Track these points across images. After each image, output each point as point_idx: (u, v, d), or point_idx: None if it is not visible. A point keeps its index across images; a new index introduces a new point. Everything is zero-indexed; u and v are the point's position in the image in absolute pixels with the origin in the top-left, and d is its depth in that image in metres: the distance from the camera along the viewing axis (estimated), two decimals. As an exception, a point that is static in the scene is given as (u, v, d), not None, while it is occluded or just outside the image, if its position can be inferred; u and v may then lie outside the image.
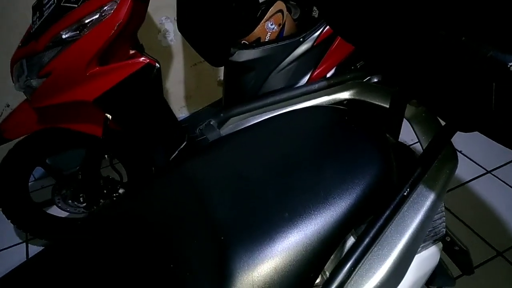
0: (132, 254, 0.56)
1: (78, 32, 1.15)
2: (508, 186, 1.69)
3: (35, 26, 1.18)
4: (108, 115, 1.27)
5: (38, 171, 1.94)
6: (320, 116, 0.72)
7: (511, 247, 1.45)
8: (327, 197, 0.55)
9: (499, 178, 1.73)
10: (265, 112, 0.77)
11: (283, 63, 1.48)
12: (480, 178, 1.75)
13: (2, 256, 1.65)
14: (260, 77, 1.51)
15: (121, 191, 1.61)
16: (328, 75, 1.55)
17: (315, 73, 1.53)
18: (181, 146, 1.57)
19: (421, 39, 0.48)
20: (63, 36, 1.15)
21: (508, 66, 0.39)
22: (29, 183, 1.90)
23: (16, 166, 1.40)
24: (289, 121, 0.71)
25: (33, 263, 0.60)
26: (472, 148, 1.85)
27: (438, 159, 0.59)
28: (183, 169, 0.66)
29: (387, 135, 0.69)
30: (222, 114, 0.77)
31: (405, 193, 0.55)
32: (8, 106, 1.76)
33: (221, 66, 1.57)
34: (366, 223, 0.56)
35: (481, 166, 1.80)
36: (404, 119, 0.70)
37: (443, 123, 0.64)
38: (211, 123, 0.76)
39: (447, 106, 0.53)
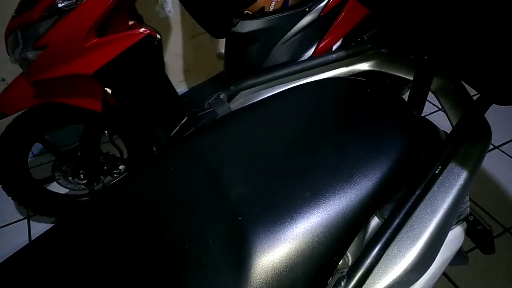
0: (145, 236, 0.53)
1: (75, 0, 1.09)
2: (515, 162, 1.67)
3: (29, -6, 1.12)
4: (108, 89, 1.22)
5: (37, 147, 1.91)
6: (340, 89, 0.68)
7: (518, 223, 1.45)
8: (351, 175, 0.52)
9: (506, 154, 1.71)
10: (278, 85, 0.73)
11: (287, 34, 1.43)
12: (487, 153, 1.73)
13: (4, 233, 1.64)
14: (264, 49, 1.46)
15: (121, 167, 1.58)
16: (334, 47, 1.50)
17: (321, 45, 1.48)
18: (182, 122, 1.53)
19: None
20: (59, 5, 1.09)
21: None
22: (28, 160, 1.87)
23: (14, 142, 1.36)
24: (306, 94, 0.67)
25: (38, 245, 0.57)
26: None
27: (471, 135, 0.56)
28: (193, 145, 0.63)
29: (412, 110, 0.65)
30: (232, 87, 0.73)
31: (436, 171, 0.51)
32: (3, 80, 1.70)
33: (223, 37, 1.51)
34: (391, 203, 0.53)
35: (487, 141, 1.77)
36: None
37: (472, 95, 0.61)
38: (221, 96, 0.72)
39: (482, 75, 0.49)
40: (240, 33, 1.41)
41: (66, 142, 1.86)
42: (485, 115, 0.59)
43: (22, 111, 1.30)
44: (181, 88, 2.17)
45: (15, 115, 1.30)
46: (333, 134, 0.59)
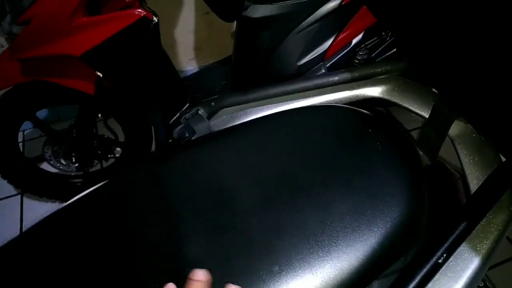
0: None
1: (61, -28, 0.97)
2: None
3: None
4: (99, 73, 1.12)
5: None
6: (334, 121, 0.55)
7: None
8: (331, 247, 0.41)
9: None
10: (266, 105, 0.61)
11: (304, 23, 1.29)
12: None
13: (-4, 207, 1.61)
14: (277, 37, 1.32)
15: (117, 150, 1.51)
16: (355, 41, 1.35)
17: (340, 37, 1.33)
18: (184, 108, 1.43)
19: (495, 52, 0.31)
20: (44, -24, 0.98)
21: None
22: (28, 131, 1.81)
23: (2, 120, 1.29)
24: (293, 123, 0.55)
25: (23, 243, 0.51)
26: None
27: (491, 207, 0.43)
28: (158, 174, 0.53)
29: (421, 154, 0.52)
30: (213, 103, 0.62)
31: (440, 260, 0.40)
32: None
33: (233, 21, 1.38)
34: (380, 279, 0.43)
35: None
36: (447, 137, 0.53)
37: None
38: (199, 112, 0.61)
39: (508, 137, 0.36)
40: (251, 18, 1.27)
41: (63, 116, 1.79)
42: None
43: (9, 87, 1.22)
44: (191, 66, 2.06)
45: (3, 91, 1.23)
46: (315, 184, 0.47)
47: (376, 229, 0.43)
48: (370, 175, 0.48)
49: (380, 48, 1.39)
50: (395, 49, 1.36)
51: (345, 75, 0.62)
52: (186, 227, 0.45)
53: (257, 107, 0.61)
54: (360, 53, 1.37)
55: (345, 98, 0.61)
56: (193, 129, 0.60)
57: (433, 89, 0.56)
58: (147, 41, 1.10)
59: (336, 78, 0.61)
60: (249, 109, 0.61)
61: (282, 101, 0.61)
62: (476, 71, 0.36)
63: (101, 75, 1.13)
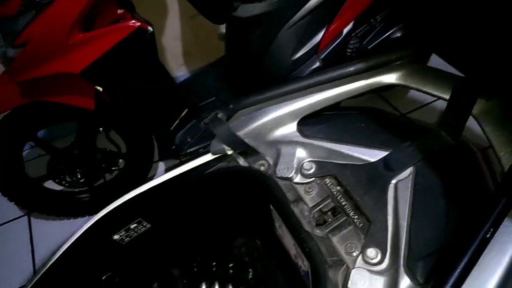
0: None
1: (53, -8, 0.97)
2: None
3: (3, -14, 1.00)
4: (99, 88, 1.12)
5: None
6: None
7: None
8: None
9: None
10: (281, 103, 0.62)
11: (294, 18, 1.30)
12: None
13: (4, 231, 1.60)
14: (268, 35, 1.33)
15: (120, 161, 1.50)
16: (345, 30, 1.37)
17: (331, 28, 1.35)
18: (182, 114, 1.44)
19: None
20: (37, -2, 0.98)
21: None
22: (26, 152, 1.80)
23: (5, 142, 1.28)
24: None
25: None
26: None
27: None
28: None
29: (444, 134, 0.53)
30: (231, 106, 0.63)
31: (488, 235, 0.41)
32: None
33: (223, 23, 1.39)
34: (423, 260, 0.43)
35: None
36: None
37: None
38: (219, 115, 0.62)
39: None
40: (241, 18, 1.28)
41: (59, 134, 1.78)
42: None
43: (9, 110, 1.21)
44: (181, 72, 2.06)
45: (3, 114, 1.22)
46: None
47: None
48: None
49: (371, 36, 1.41)
50: (385, 35, 1.38)
51: (359, 66, 0.63)
52: None
53: (274, 105, 0.62)
54: (352, 42, 1.39)
55: (362, 87, 0.62)
56: (212, 133, 0.61)
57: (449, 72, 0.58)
58: (145, 50, 1.10)
59: (351, 69, 0.62)
60: (267, 108, 0.62)
61: (298, 97, 0.62)
62: (503, 44, 0.37)
63: (101, 89, 1.13)
